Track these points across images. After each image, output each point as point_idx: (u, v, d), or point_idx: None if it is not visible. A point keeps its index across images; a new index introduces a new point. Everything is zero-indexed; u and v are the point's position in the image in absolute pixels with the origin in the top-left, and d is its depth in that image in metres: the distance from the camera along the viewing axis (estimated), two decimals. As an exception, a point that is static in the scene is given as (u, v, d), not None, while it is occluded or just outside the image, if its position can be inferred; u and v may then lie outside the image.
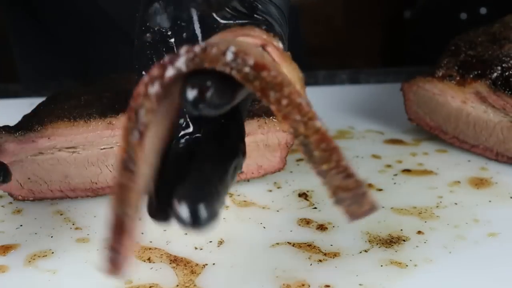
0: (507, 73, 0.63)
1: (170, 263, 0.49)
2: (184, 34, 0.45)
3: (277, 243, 0.52)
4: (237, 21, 0.43)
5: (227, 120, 0.40)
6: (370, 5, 1.47)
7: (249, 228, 0.54)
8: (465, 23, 1.18)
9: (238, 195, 0.60)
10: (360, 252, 0.50)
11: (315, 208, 0.57)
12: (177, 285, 0.46)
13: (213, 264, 0.49)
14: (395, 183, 0.62)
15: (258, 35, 0.42)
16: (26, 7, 0.97)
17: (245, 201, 0.59)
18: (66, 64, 0.99)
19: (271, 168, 0.61)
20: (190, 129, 0.42)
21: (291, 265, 0.49)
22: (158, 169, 0.38)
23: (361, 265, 0.48)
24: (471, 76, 0.65)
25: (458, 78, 0.66)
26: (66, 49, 0.98)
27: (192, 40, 0.44)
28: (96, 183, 0.58)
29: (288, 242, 0.52)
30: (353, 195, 0.35)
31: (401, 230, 0.53)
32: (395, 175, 0.63)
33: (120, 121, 0.56)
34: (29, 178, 0.57)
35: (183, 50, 0.34)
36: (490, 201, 0.58)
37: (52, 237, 0.54)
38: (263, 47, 0.41)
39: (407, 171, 0.64)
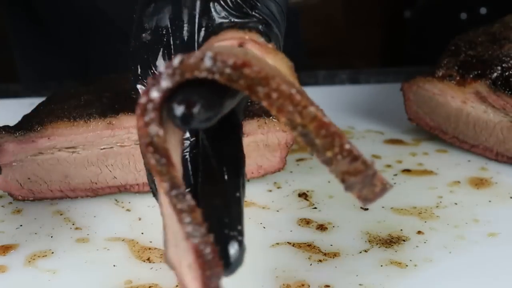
0: (507, 73, 0.63)
1: (170, 263, 0.49)
2: (181, 34, 0.44)
3: (277, 243, 0.52)
4: (233, 20, 0.43)
5: (223, 123, 0.40)
6: (370, 5, 1.47)
7: (249, 228, 0.54)
8: (465, 23, 1.19)
9: (238, 195, 0.59)
10: (360, 252, 0.50)
11: (315, 208, 0.57)
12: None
13: (213, 264, 0.49)
14: (395, 183, 0.61)
15: (232, 36, 0.41)
16: (26, 8, 0.97)
17: (245, 201, 0.58)
18: (66, 64, 0.99)
19: (271, 168, 0.61)
20: (187, 135, 0.42)
21: (291, 265, 0.49)
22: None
23: (361, 265, 0.48)
24: (471, 76, 0.64)
25: (458, 78, 0.65)
26: (66, 49, 0.98)
27: (188, 40, 0.44)
28: (96, 183, 0.58)
29: (288, 242, 0.52)
30: (363, 178, 0.34)
31: (401, 230, 0.53)
32: (395, 175, 0.63)
33: (120, 121, 0.56)
34: (29, 178, 0.57)
35: (163, 68, 0.33)
36: (490, 201, 0.58)
37: (52, 237, 0.54)
38: (241, 45, 0.40)
39: (407, 171, 0.64)
